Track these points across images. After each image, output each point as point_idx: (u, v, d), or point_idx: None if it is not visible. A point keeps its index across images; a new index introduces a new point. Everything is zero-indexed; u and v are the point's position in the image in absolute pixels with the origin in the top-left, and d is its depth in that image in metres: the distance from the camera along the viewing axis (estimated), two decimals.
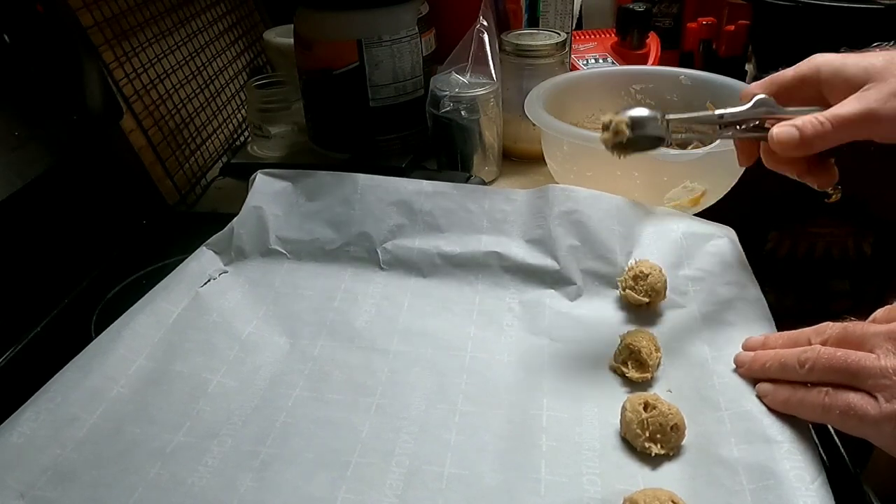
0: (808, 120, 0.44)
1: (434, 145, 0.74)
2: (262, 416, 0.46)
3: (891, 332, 0.38)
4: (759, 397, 0.43)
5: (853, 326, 0.41)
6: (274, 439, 0.44)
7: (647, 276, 0.52)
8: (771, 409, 0.42)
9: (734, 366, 0.46)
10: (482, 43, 0.71)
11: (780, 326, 0.50)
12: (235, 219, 0.62)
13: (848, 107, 0.43)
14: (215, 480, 0.41)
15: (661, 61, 0.94)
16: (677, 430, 0.42)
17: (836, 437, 0.43)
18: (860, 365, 0.38)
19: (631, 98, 0.75)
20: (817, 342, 0.42)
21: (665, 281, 0.53)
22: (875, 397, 0.37)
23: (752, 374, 0.44)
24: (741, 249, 0.56)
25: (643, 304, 0.53)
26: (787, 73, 0.48)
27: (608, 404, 0.46)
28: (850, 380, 0.38)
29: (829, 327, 0.42)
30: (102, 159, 0.70)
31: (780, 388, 0.42)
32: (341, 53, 0.74)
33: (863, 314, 0.42)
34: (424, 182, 0.62)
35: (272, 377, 0.49)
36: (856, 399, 0.37)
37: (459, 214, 0.60)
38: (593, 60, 0.94)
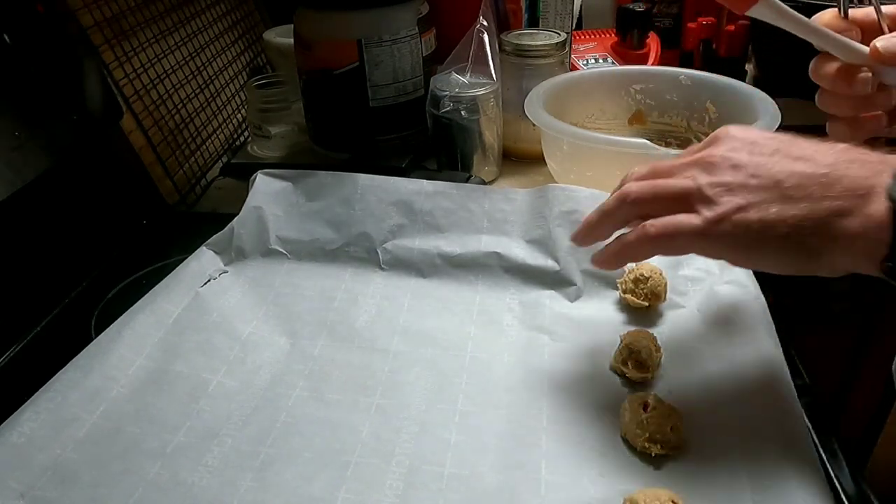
0: None
1: (434, 145, 0.74)
2: (262, 416, 0.46)
3: (693, 161, 0.41)
4: (596, 265, 0.44)
5: (658, 164, 0.43)
6: (274, 439, 0.44)
7: (648, 279, 0.52)
8: (769, 408, 0.43)
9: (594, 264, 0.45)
10: (482, 43, 0.71)
11: (780, 326, 0.50)
12: (235, 219, 0.62)
13: None
14: (215, 480, 0.41)
15: (661, 61, 0.94)
16: (677, 430, 0.42)
17: (835, 438, 0.43)
18: (680, 187, 0.40)
19: (631, 98, 0.75)
20: (630, 180, 0.43)
21: (665, 284, 0.53)
22: (697, 212, 0.38)
23: (590, 241, 0.45)
24: None
25: (643, 307, 0.53)
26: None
27: (608, 404, 0.46)
28: (671, 205, 0.40)
29: (634, 171, 0.44)
30: (102, 159, 0.70)
31: (608, 245, 0.43)
32: (341, 53, 0.74)
33: (863, 314, 0.42)
34: (424, 182, 0.62)
35: (272, 377, 0.49)
36: (681, 217, 0.39)
37: (459, 214, 0.61)
38: (593, 60, 0.94)
